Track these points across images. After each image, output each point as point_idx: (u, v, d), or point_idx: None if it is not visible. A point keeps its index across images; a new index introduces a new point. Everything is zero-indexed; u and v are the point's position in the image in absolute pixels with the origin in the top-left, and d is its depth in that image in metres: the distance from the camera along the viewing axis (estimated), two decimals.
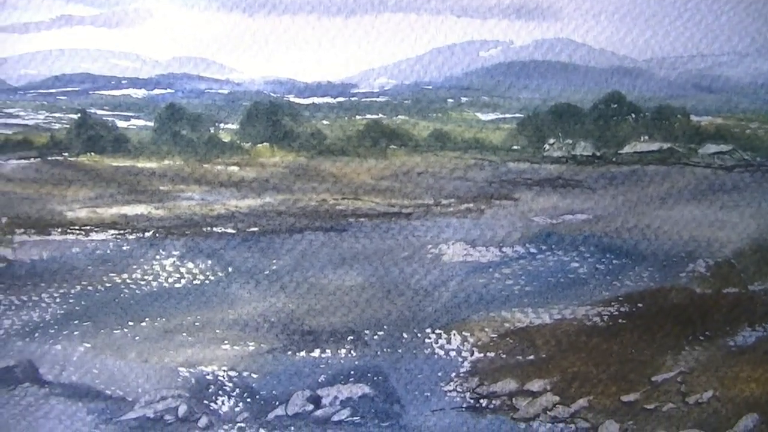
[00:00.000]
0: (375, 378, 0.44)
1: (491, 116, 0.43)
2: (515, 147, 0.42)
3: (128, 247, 0.44)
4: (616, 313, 0.44)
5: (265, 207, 0.43)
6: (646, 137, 0.45)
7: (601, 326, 0.44)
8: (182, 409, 0.45)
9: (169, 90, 0.44)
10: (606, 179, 0.43)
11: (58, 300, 0.45)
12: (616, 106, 0.44)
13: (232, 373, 0.44)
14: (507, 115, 0.43)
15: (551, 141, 0.44)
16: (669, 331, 0.44)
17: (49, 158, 0.44)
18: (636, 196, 0.44)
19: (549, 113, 0.43)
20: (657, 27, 0.47)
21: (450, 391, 0.44)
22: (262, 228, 0.43)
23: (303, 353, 0.44)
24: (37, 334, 0.45)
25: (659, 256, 0.43)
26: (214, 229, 0.43)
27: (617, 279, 0.44)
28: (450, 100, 0.43)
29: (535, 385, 0.44)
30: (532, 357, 0.43)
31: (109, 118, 0.43)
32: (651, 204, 0.44)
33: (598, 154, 0.43)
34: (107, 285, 0.44)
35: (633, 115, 0.45)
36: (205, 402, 0.45)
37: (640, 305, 0.44)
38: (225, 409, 0.45)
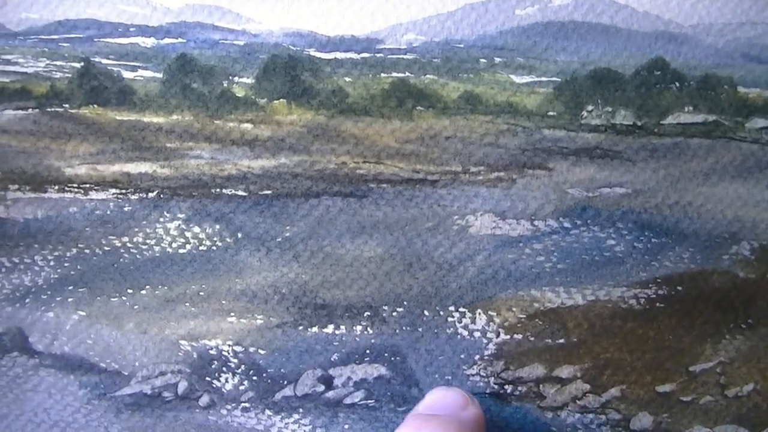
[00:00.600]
0: (392, 358, 0.41)
1: (526, 79, 0.40)
2: (551, 113, 0.39)
3: (130, 208, 0.40)
4: (654, 296, 0.41)
5: (279, 168, 0.39)
6: (690, 108, 0.42)
7: (637, 310, 0.41)
8: (182, 386, 0.42)
9: (180, 39, 0.40)
10: (647, 151, 0.40)
11: (52, 263, 0.41)
12: (659, 73, 0.41)
13: (238, 349, 0.41)
14: (543, 79, 0.40)
15: (589, 108, 0.41)
16: (709, 317, 0.41)
17: (49, 110, 0.40)
18: (678, 171, 0.41)
19: (588, 78, 0.40)
20: None
21: (473, 375, 0.41)
22: (275, 191, 0.39)
23: (315, 329, 0.40)
24: (28, 300, 0.42)
25: (701, 236, 0.40)
26: (224, 190, 0.40)
27: (656, 259, 0.41)
28: (482, 61, 0.40)
29: (565, 371, 0.41)
30: (562, 341, 0.40)
31: (115, 68, 0.40)
32: (694, 180, 0.41)
33: (639, 123, 0.41)
34: (106, 248, 0.40)
35: (677, 84, 0.42)
36: (207, 379, 0.41)
37: (679, 288, 0.41)
38: (228, 387, 0.41)
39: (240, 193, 0.39)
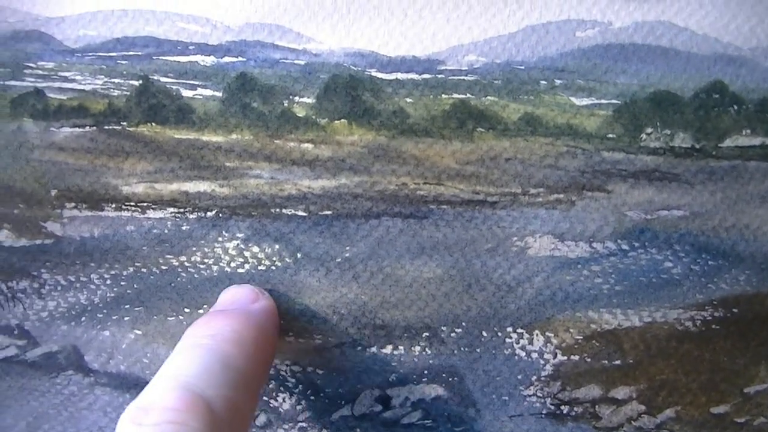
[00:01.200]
0: (450, 379, 0.41)
1: (586, 101, 0.41)
2: (610, 135, 0.39)
3: (188, 227, 0.40)
4: (710, 318, 0.41)
5: (340, 189, 0.40)
6: (748, 131, 0.42)
7: (693, 331, 0.41)
8: None
9: (240, 58, 0.40)
10: (705, 174, 0.40)
11: (108, 282, 0.41)
12: (717, 96, 0.41)
13: (296, 368, 0.41)
14: (603, 101, 0.40)
15: (648, 130, 0.41)
16: (764, 339, 0.41)
17: (106, 127, 0.40)
18: (735, 194, 0.41)
19: (647, 101, 0.40)
20: (763, 14, 0.45)
21: (529, 396, 0.41)
22: (335, 211, 0.39)
23: (374, 349, 0.40)
24: (83, 319, 0.42)
25: (757, 258, 0.41)
26: (284, 210, 0.40)
27: (712, 281, 0.41)
28: (543, 82, 0.40)
29: (621, 392, 0.42)
30: (618, 362, 0.41)
31: (174, 87, 0.40)
32: (751, 202, 0.41)
33: (697, 146, 0.41)
34: (163, 268, 0.40)
35: (735, 107, 0.42)
36: (265, 398, 0.41)
37: (735, 310, 0.42)
38: (286, 406, 0.42)
39: (300, 213, 0.39)
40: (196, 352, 0.32)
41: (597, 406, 0.39)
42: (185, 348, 0.33)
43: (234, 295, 0.38)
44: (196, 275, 0.40)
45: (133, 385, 0.40)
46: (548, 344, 0.39)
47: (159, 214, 0.40)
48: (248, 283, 0.39)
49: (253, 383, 0.33)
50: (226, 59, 0.39)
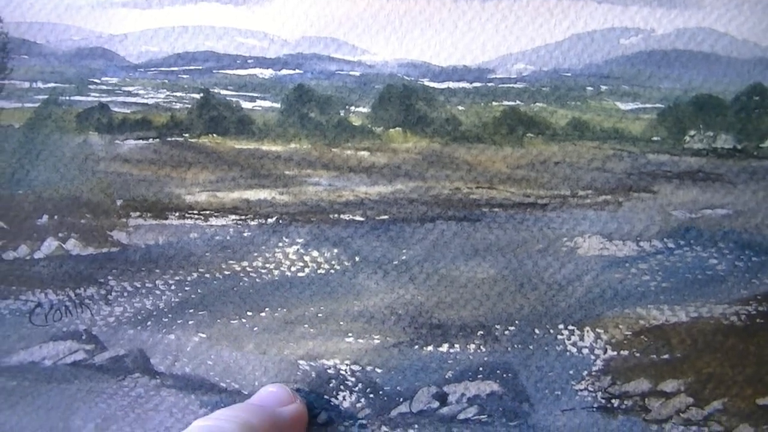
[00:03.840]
0: (504, 375, 0.43)
1: (631, 106, 0.43)
2: (655, 138, 0.41)
3: (249, 234, 0.42)
4: (754, 312, 0.43)
5: (396, 194, 0.42)
6: None
7: (738, 326, 0.43)
8: None
9: (297, 71, 0.42)
10: (747, 173, 0.43)
11: (173, 287, 0.43)
12: (758, 98, 0.43)
13: (355, 368, 0.42)
14: (647, 105, 0.43)
15: (692, 133, 0.43)
16: None
17: (169, 139, 0.42)
18: None
19: (690, 104, 0.42)
20: None
21: (581, 390, 0.43)
22: (392, 216, 0.42)
23: (430, 348, 0.41)
24: (149, 323, 0.43)
25: None
26: (342, 216, 0.41)
27: (756, 277, 0.43)
28: (589, 88, 0.42)
29: (669, 385, 0.44)
30: (666, 356, 0.43)
31: (234, 99, 0.43)
32: None
33: (739, 147, 0.43)
34: (226, 273, 0.42)
35: None
36: (326, 397, 0.44)
37: None
38: (346, 404, 0.44)
39: (357, 218, 0.41)
40: None
41: (646, 399, 0.42)
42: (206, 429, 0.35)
43: (269, 394, 0.40)
44: (257, 279, 0.42)
45: (198, 386, 0.43)
46: (598, 340, 0.41)
47: (221, 221, 0.42)
48: (308, 288, 0.42)
49: None
50: (284, 72, 0.41)
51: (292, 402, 0.40)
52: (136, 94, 0.41)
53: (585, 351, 0.41)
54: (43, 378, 0.44)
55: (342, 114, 0.40)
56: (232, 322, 0.42)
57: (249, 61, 0.40)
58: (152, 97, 0.41)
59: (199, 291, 0.42)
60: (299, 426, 0.40)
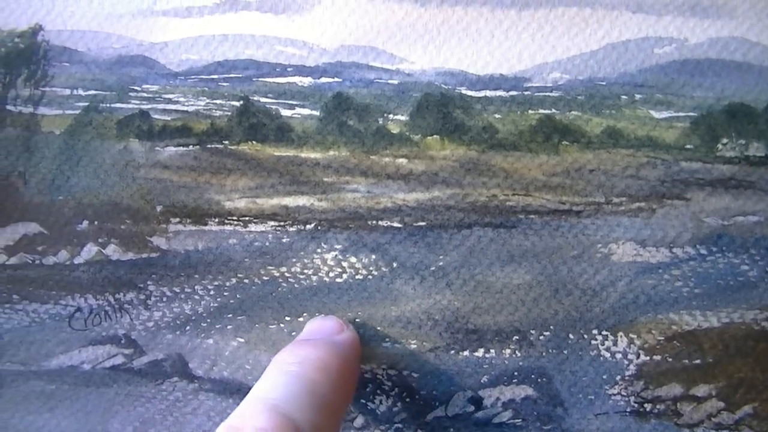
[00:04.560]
0: (539, 380, 0.44)
1: (665, 114, 0.44)
2: (688, 146, 0.42)
3: (288, 240, 0.42)
4: None
5: (433, 201, 0.43)
6: None
7: None
8: None
9: (336, 79, 0.41)
10: None
11: (212, 292, 0.43)
12: None
13: (392, 372, 0.42)
14: (680, 114, 0.43)
15: (724, 141, 0.44)
16: None
17: (209, 146, 0.42)
18: None
19: (723, 112, 0.43)
20: None
21: (614, 395, 0.44)
22: (429, 222, 0.43)
23: (466, 353, 0.42)
24: (188, 328, 0.44)
25: None
26: (380, 222, 0.42)
27: None
28: (624, 97, 0.43)
29: (701, 390, 0.44)
30: (698, 361, 0.44)
31: (273, 106, 0.42)
32: None
33: None
34: (264, 278, 0.43)
35: None
36: (362, 401, 0.44)
37: None
38: (382, 408, 0.45)
39: (395, 224, 0.42)
40: (285, 378, 0.33)
41: (678, 404, 0.42)
42: (274, 373, 0.34)
43: (320, 326, 0.41)
44: (296, 285, 0.43)
45: (236, 390, 0.43)
46: (632, 345, 0.42)
47: (260, 227, 0.43)
48: (346, 293, 0.42)
49: (335, 409, 0.35)
50: (323, 80, 0.42)
51: (344, 329, 0.40)
52: (177, 102, 0.41)
53: (618, 356, 0.42)
54: (82, 382, 0.45)
55: (380, 122, 0.40)
56: (270, 327, 0.43)
57: (288, 69, 0.41)
58: (192, 105, 0.41)
59: (237, 296, 0.43)
60: (356, 353, 0.40)
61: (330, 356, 0.37)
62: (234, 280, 0.43)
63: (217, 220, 0.42)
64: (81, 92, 0.43)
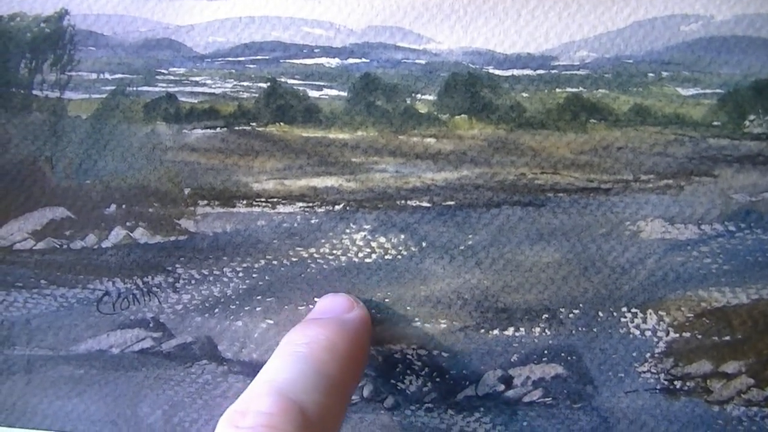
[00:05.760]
0: (569, 358, 0.44)
1: (692, 91, 0.44)
2: (715, 123, 0.43)
3: (317, 221, 0.42)
4: None
5: (462, 180, 0.43)
6: None
7: None
8: (367, 389, 0.45)
9: (363, 59, 0.41)
10: None
11: (240, 274, 0.43)
12: None
13: (422, 352, 0.43)
14: (707, 91, 0.44)
15: (752, 117, 0.44)
16: None
17: (236, 128, 0.42)
18: None
19: (750, 89, 0.44)
20: None
21: (644, 372, 0.44)
22: (458, 202, 0.43)
23: (496, 332, 0.42)
24: (217, 310, 0.44)
25: None
26: (409, 202, 0.42)
27: None
28: (650, 75, 0.43)
29: (730, 367, 0.45)
30: (727, 338, 0.44)
31: (300, 88, 0.42)
32: None
33: None
34: (293, 259, 0.43)
35: None
36: (392, 382, 0.45)
37: None
38: (412, 389, 0.45)
39: (424, 204, 0.42)
40: (292, 359, 0.33)
41: (708, 381, 0.43)
42: (281, 354, 0.34)
43: (330, 304, 0.39)
44: (325, 266, 0.43)
45: None
46: (661, 322, 0.42)
47: (289, 208, 0.43)
48: (375, 274, 0.43)
49: (344, 389, 0.34)
50: (351, 61, 0.42)
51: (354, 307, 0.40)
52: (204, 84, 0.42)
53: (648, 333, 0.43)
54: (111, 366, 0.45)
55: (408, 102, 0.41)
56: (299, 308, 0.43)
57: (316, 50, 0.41)
58: (219, 87, 0.42)
59: (266, 278, 0.43)
60: (366, 331, 0.40)
61: (338, 336, 0.35)
62: (263, 262, 0.43)
63: (245, 201, 0.43)
64: (107, 76, 0.43)
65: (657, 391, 0.43)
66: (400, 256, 0.42)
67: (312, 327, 0.36)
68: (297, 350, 0.33)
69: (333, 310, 0.40)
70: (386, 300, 0.42)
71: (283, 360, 0.33)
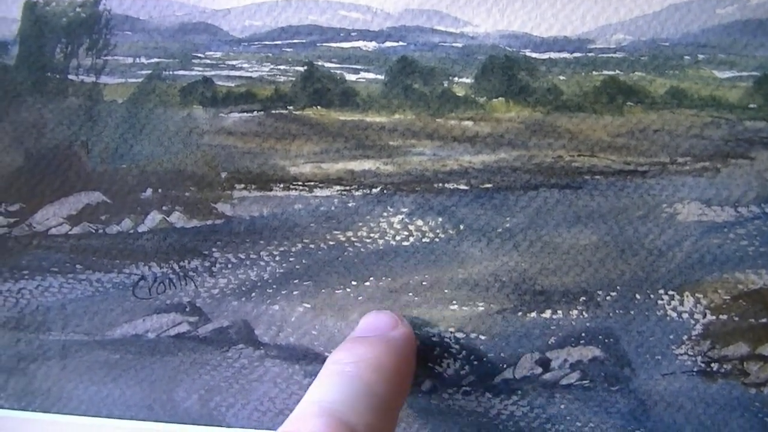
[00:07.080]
0: (606, 340, 0.45)
1: (728, 74, 0.45)
2: (752, 105, 0.43)
3: (354, 204, 0.43)
4: None
5: (499, 163, 0.44)
6: None
7: None
8: None
9: (401, 43, 0.42)
10: None
11: (277, 258, 0.44)
12: None
13: (459, 335, 0.43)
14: (743, 73, 0.44)
15: None
16: None
17: (273, 112, 0.42)
18: None
19: None
20: None
21: (681, 355, 0.45)
22: (495, 184, 0.43)
23: (533, 314, 0.43)
24: (254, 294, 0.44)
25: None
26: (446, 185, 0.42)
27: None
28: (687, 58, 0.44)
29: (767, 349, 0.45)
30: (765, 320, 0.44)
31: (337, 71, 0.42)
32: None
33: None
34: (330, 243, 0.43)
35: None
36: (430, 365, 0.45)
37: None
38: (450, 372, 0.45)
39: (462, 187, 0.43)
40: (340, 379, 0.33)
41: (745, 363, 0.43)
42: (328, 374, 0.34)
43: (374, 322, 0.39)
44: (362, 249, 0.44)
45: (302, 356, 0.44)
46: (698, 305, 0.43)
47: (326, 192, 0.43)
48: (413, 257, 0.43)
49: (392, 408, 0.34)
50: (388, 44, 0.43)
51: (398, 325, 0.40)
52: (240, 68, 0.42)
53: (685, 316, 0.43)
54: (147, 351, 0.46)
55: (445, 85, 0.41)
56: (336, 291, 0.44)
57: (352, 34, 0.42)
58: (256, 71, 0.42)
59: (303, 261, 0.44)
60: (411, 349, 0.40)
61: (385, 355, 0.35)
62: (299, 246, 0.44)
63: (282, 185, 0.43)
64: (143, 60, 0.44)
65: (694, 373, 0.43)
66: (437, 239, 0.43)
67: (358, 346, 0.36)
68: (344, 370, 0.34)
69: (377, 328, 0.40)
70: (423, 283, 0.43)
71: (331, 380, 0.33)
